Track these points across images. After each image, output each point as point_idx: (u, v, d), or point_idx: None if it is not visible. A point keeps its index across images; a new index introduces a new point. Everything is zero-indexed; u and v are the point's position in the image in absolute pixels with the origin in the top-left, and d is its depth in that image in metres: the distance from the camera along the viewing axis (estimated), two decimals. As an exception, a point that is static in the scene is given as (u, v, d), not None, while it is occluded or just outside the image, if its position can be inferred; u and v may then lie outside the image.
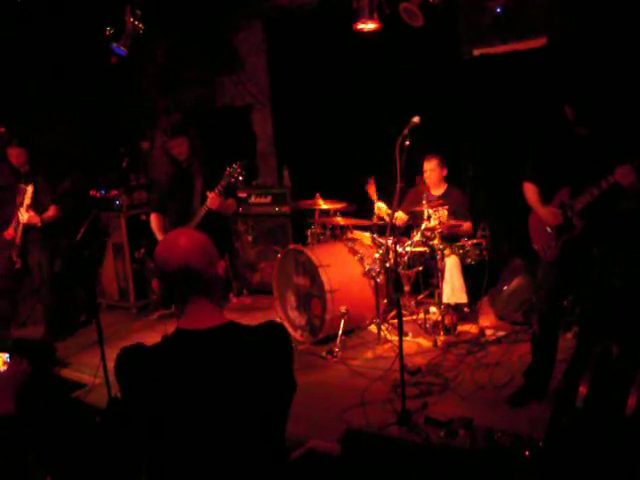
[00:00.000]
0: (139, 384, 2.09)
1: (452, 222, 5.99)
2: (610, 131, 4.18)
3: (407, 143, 4.42)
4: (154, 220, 5.88)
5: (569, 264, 4.42)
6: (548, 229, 4.45)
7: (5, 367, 3.26)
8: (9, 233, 6.59)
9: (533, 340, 4.69)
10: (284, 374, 2.26)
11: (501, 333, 5.85)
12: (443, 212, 5.93)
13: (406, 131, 4.44)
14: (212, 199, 5.33)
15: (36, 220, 6.42)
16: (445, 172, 6.38)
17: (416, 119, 4.47)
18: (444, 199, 6.21)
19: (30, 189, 6.30)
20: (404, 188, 4.78)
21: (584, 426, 2.89)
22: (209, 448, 2.08)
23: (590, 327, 4.42)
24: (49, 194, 6.58)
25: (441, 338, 5.80)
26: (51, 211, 6.53)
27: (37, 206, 6.47)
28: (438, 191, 6.41)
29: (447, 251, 5.90)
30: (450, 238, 6.08)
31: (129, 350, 2.15)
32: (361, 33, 6.36)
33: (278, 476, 2.23)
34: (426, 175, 6.38)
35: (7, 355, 4.45)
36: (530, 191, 4.55)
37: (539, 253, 4.60)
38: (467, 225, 6.19)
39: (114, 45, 6.77)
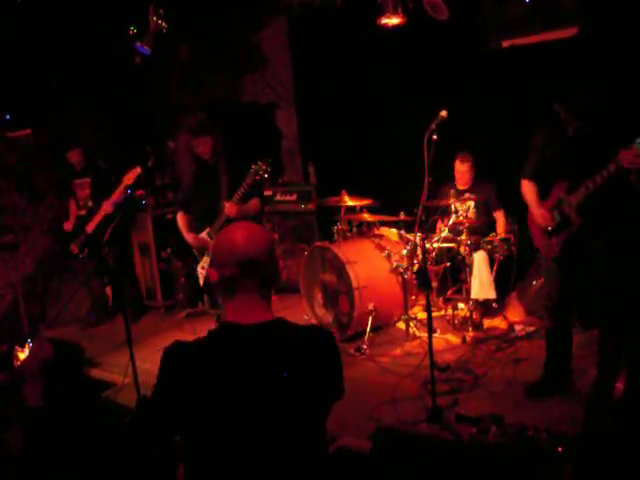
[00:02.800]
0: (182, 378, 2.08)
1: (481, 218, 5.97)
2: (608, 125, 4.14)
3: (435, 137, 4.37)
4: (180, 219, 5.88)
5: (571, 259, 4.41)
6: (549, 227, 4.45)
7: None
8: (68, 225, 7.19)
9: (547, 335, 4.69)
10: (329, 378, 2.24)
11: (530, 328, 5.77)
12: (470, 204, 5.88)
13: (434, 125, 4.40)
14: (229, 207, 5.29)
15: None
16: (471, 165, 6.35)
17: (444, 113, 4.42)
18: (471, 191, 6.16)
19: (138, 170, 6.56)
20: (432, 183, 4.73)
21: (621, 422, 2.84)
22: (246, 444, 2.07)
23: (615, 322, 4.34)
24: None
25: (470, 334, 5.75)
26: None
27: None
28: (465, 185, 6.36)
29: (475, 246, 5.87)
30: (478, 232, 6.03)
31: (173, 347, 2.14)
32: (385, 28, 6.31)
33: (315, 477, 2.21)
34: (458, 176, 6.34)
35: (29, 340, 4.50)
36: (527, 188, 4.59)
37: (541, 251, 4.64)
38: (499, 214, 6.15)
39: (138, 45, 6.79)
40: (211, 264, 2.24)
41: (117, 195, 6.70)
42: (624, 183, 4.02)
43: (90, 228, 6.89)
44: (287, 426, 2.11)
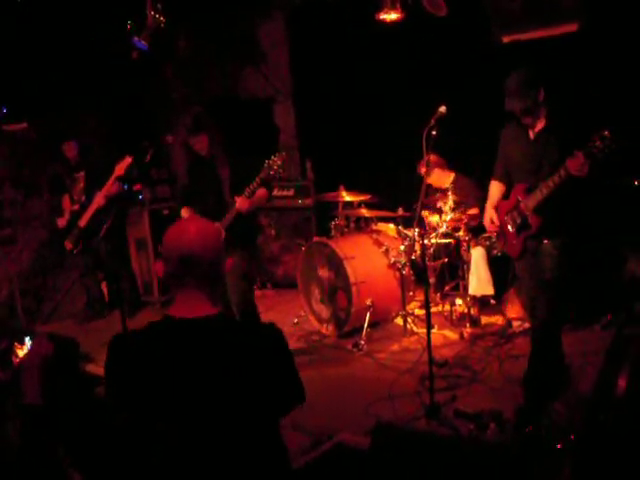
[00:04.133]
0: (121, 369, 2.12)
1: (471, 213, 5.95)
2: (563, 126, 4.21)
3: (434, 133, 4.35)
4: (186, 213, 5.78)
5: (533, 259, 4.47)
6: (509, 227, 4.52)
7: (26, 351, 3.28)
8: (62, 222, 7.11)
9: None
10: (272, 376, 2.17)
11: (528, 324, 5.75)
12: (450, 202, 5.87)
13: (433, 121, 4.38)
14: (241, 202, 5.25)
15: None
16: (438, 170, 6.35)
17: (442, 109, 4.39)
18: (451, 189, 6.12)
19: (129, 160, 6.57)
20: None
21: (623, 419, 2.83)
22: (178, 437, 2.07)
23: (627, 318, 4.36)
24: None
25: (467, 330, 5.75)
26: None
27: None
28: (445, 183, 6.33)
29: (472, 242, 5.86)
30: (474, 229, 6.03)
31: (116, 337, 2.18)
32: (384, 23, 6.29)
33: (263, 474, 2.17)
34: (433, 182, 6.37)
35: (28, 337, 4.48)
36: (491, 189, 4.73)
37: (505, 250, 4.77)
38: (474, 211, 6.12)
39: (135, 39, 6.75)
40: (159, 258, 2.27)
41: (108, 187, 6.66)
42: (578, 186, 4.09)
43: (83, 222, 6.84)
44: (225, 421, 2.08)
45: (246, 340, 2.17)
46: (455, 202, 5.86)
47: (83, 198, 6.96)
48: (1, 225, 7.56)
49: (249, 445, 2.13)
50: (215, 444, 2.07)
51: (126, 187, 7.59)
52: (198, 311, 2.17)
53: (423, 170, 6.19)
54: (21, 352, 4.85)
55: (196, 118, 5.50)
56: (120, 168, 6.51)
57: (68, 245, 6.96)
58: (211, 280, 2.22)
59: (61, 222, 7.13)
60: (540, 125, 4.29)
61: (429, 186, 6.39)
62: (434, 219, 6.07)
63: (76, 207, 7.03)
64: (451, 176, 6.38)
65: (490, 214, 4.61)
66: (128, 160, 6.50)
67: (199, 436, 2.06)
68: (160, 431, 2.07)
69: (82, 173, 7.07)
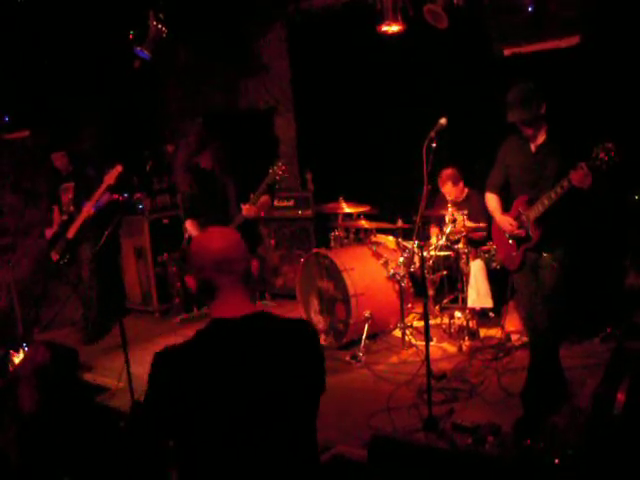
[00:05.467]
0: (174, 380, 2.08)
1: (471, 225, 5.94)
2: (564, 139, 4.23)
3: (434, 145, 4.36)
4: (191, 225, 5.79)
5: (532, 271, 4.47)
6: (509, 240, 4.54)
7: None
8: (49, 232, 6.98)
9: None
10: (314, 370, 2.28)
11: (527, 338, 5.75)
12: (460, 217, 5.87)
13: (433, 133, 4.38)
14: (247, 209, 5.31)
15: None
16: (462, 184, 6.37)
17: (443, 121, 4.40)
18: (464, 204, 6.16)
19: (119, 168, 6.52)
20: (432, 190, 4.75)
21: (622, 434, 2.82)
22: (243, 441, 2.07)
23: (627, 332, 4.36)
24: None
25: (466, 343, 5.74)
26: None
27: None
28: (460, 196, 6.36)
29: (472, 255, 5.85)
30: (475, 242, 6.02)
31: (164, 350, 2.15)
32: (385, 35, 6.31)
33: (308, 473, 2.23)
34: (446, 193, 6.37)
35: (25, 345, 4.47)
36: (490, 201, 4.73)
37: (503, 263, 4.77)
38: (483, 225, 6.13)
39: (137, 49, 6.78)
40: (189, 272, 2.28)
41: (98, 196, 6.61)
42: (579, 198, 4.10)
43: (71, 233, 6.75)
44: (281, 420, 2.13)
45: (290, 334, 2.25)
46: (467, 216, 5.87)
47: (72, 209, 6.84)
48: (1, 233, 7.55)
49: (299, 440, 2.20)
50: (272, 440, 2.11)
51: (126, 196, 7.61)
52: (243, 310, 2.21)
53: (445, 186, 6.27)
54: (17, 359, 4.84)
55: (197, 140, 5.58)
56: (110, 177, 6.50)
57: (54, 256, 6.88)
58: (245, 279, 2.26)
59: (48, 233, 7.01)
60: (541, 138, 4.31)
61: (438, 199, 6.40)
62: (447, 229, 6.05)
63: (64, 218, 6.90)
64: (466, 191, 6.40)
65: (505, 220, 4.53)
66: (118, 169, 6.49)
67: (259, 432, 2.09)
68: (221, 432, 2.07)
69: (72, 184, 6.94)
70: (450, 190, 6.33)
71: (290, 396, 2.15)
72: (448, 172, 6.30)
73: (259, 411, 2.09)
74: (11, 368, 4.90)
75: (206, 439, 2.06)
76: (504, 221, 4.54)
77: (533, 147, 4.34)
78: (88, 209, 6.65)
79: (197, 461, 2.09)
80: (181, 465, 2.14)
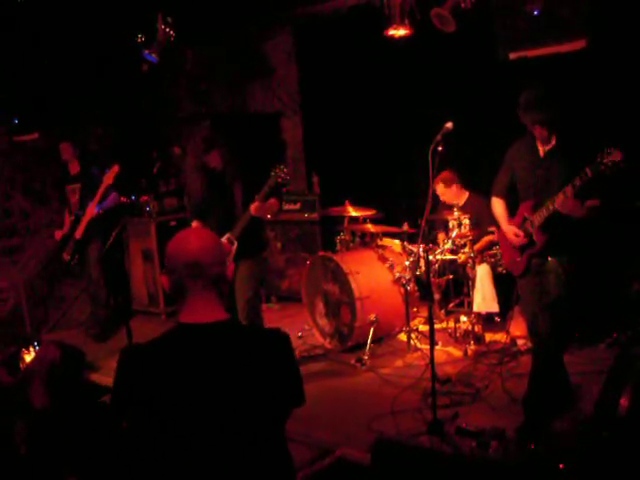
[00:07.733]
0: (136, 379, 2.10)
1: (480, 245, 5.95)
2: (573, 144, 4.22)
3: (440, 149, 4.36)
4: (197, 227, 5.82)
5: (537, 277, 4.44)
6: (519, 242, 4.50)
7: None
8: (59, 234, 7.07)
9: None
10: (282, 379, 2.24)
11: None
12: (465, 221, 5.87)
13: (439, 137, 4.39)
14: (253, 207, 5.33)
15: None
16: (456, 187, 6.35)
17: (449, 125, 4.40)
18: (465, 208, 6.14)
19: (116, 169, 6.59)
20: (436, 195, 4.75)
21: (626, 438, 2.81)
22: (199, 443, 2.07)
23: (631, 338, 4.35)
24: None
25: (471, 347, 5.73)
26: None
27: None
28: (460, 201, 6.35)
29: (478, 259, 5.85)
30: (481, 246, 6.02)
31: (129, 348, 2.21)
32: (392, 39, 6.32)
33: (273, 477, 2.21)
34: (439, 195, 6.36)
35: (35, 344, 4.52)
36: (496, 206, 4.70)
37: (508, 268, 4.74)
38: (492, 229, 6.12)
39: (145, 52, 6.81)
40: (163, 272, 2.28)
41: (99, 196, 6.69)
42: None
43: (78, 233, 6.84)
44: (240, 426, 2.11)
45: (257, 344, 2.23)
46: (469, 220, 5.87)
47: (78, 210, 6.95)
48: (10, 234, 7.59)
49: (260, 449, 2.16)
50: (229, 448, 2.10)
51: (133, 198, 7.65)
52: (210, 316, 2.19)
53: (437, 187, 6.24)
54: (28, 358, 4.88)
55: (205, 139, 5.58)
56: (109, 177, 6.57)
57: (65, 256, 6.97)
58: (217, 284, 2.24)
59: (57, 234, 7.12)
60: (552, 142, 4.29)
61: (442, 203, 6.40)
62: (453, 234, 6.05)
63: (72, 219, 7.02)
64: (466, 194, 6.39)
65: (511, 230, 4.51)
66: (115, 169, 6.56)
67: (215, 439, 2.08)
68: (177, 436, 2.07)
69: (78, 185, 7.02)
70: (442, 191, 6.32)
71: (250, 406, 2.12)
72: (442, 174, 6.27)
73: (214, 420, 2.08)
74: (22, 366, 4.95)
75: (161, 442, 2.08)
76: (510, 232, 4.52)
77: (542, 152, 4.33)
78: (90, 210, 6.74)
79: (152, 461, 2.11)
80: (138, 461, 2.17)
